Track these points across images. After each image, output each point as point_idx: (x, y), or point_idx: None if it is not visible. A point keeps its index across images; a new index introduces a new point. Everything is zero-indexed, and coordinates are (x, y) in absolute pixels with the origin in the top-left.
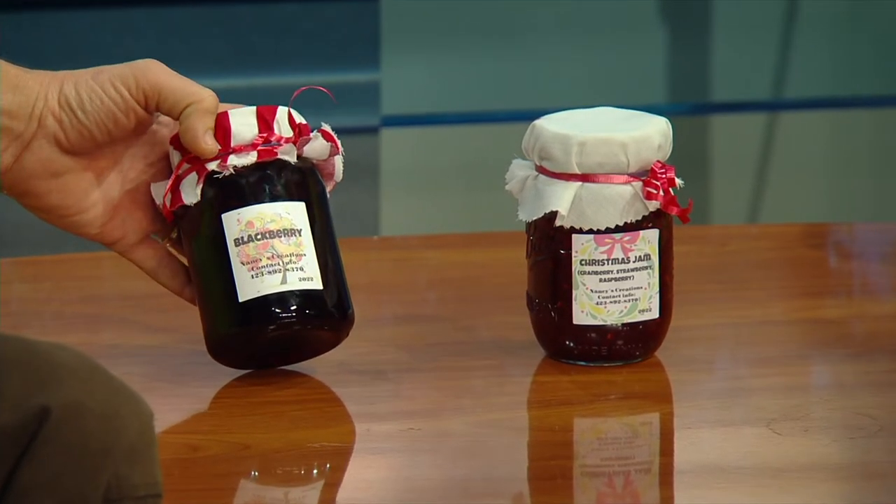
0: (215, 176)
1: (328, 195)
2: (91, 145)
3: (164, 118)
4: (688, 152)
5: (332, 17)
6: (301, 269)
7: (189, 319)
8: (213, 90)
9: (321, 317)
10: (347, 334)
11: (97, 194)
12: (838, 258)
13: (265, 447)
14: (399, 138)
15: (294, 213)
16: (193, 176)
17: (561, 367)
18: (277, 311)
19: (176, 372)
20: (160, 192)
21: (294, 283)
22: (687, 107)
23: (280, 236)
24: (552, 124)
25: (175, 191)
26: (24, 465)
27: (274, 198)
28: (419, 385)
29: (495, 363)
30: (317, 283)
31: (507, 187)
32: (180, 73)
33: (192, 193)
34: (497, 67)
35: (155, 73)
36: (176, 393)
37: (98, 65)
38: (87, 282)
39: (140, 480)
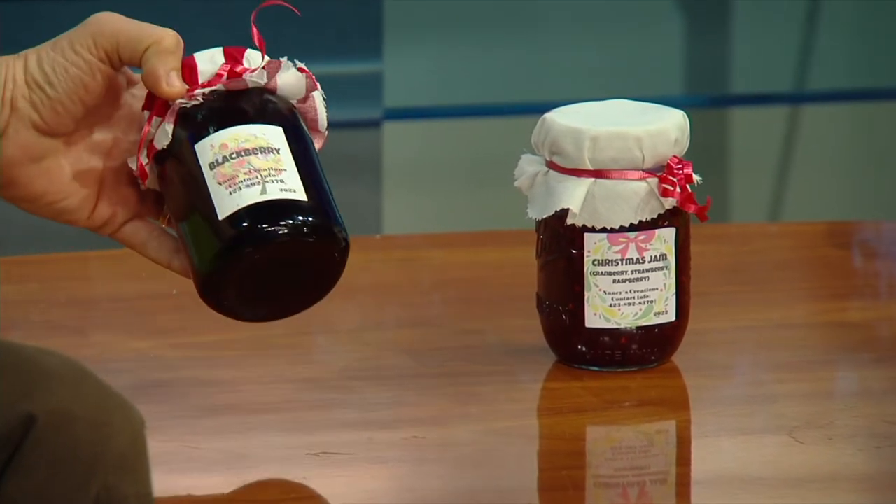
0: (183, 108)
1: (316, 148)
2: (68, 120)
3: (138, 92)
4: (706, 147)
5: (333, 5)
6: (281, 181)
7: (182, 322)
8: None
9: (309, 229)
10: (344, 261)
11: (81, 176)
12: (863, 258)
13: (262, 456)
14: (402, 132)
15: (270, 134)
16: (163, 122)
17: (572, 372)
18: (261, 223)
19: (168, 378)
20: (134, 158)
21: (275, 192)
22: (705, 99)
23: (256, 153)
24: (563, 118)
25: (150, 146)
26: (9, 475)
27: (247, 121)
28: (423, 391)
29: (503, 368)
30: (300, 195)
31: (515, 184)
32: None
33: (164, 136)
34: (505, 57)
35: (111, 24)
36: (169, 400)
37: None
38: (75, 282)
39: (131, 491)
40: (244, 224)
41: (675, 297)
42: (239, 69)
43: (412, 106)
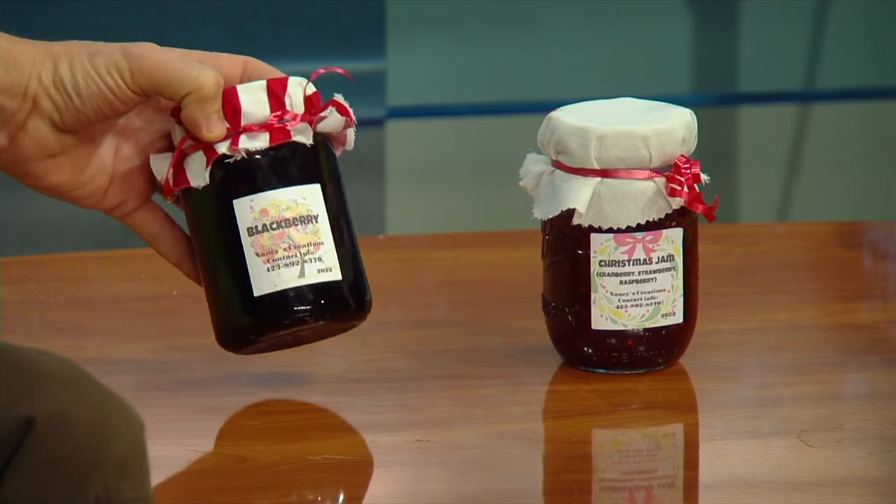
0: (226, 161)
1: (338, 164)
2: (87, 125)
3: None
4: (714, 146)
5: (336, 3)
6: (319, 259)
7: (181, 324)
8: None
9: (340, 310)
10: (365, 319)
11: (95, 166)
12: (873, 259)
13: (263, 460)
14: (406, 131)
15: (309, 198)
16: (199, 156)
17: (579, 374)
18: (296, 307)
19: (168, 380)
20: (161, 166)
21: (312, 275)
22: (713, 97)
23: (296, 224)
24: (569, 116)
25: (179, 169)
26: (8, 478)
27: (288, 182)
28: (427, 394)
29: (509, 371)
30: (335, 274)
31: (521, 183)
32: None
33: (199, 176)
34: (510, 55)
35: (151, 61)
36: (168, 402)
37: None
38: (73, 283)
39: (131, 494)
40: (280, 307)
41: (682, 298)
42: (287, 120)
43: (416, 104)
